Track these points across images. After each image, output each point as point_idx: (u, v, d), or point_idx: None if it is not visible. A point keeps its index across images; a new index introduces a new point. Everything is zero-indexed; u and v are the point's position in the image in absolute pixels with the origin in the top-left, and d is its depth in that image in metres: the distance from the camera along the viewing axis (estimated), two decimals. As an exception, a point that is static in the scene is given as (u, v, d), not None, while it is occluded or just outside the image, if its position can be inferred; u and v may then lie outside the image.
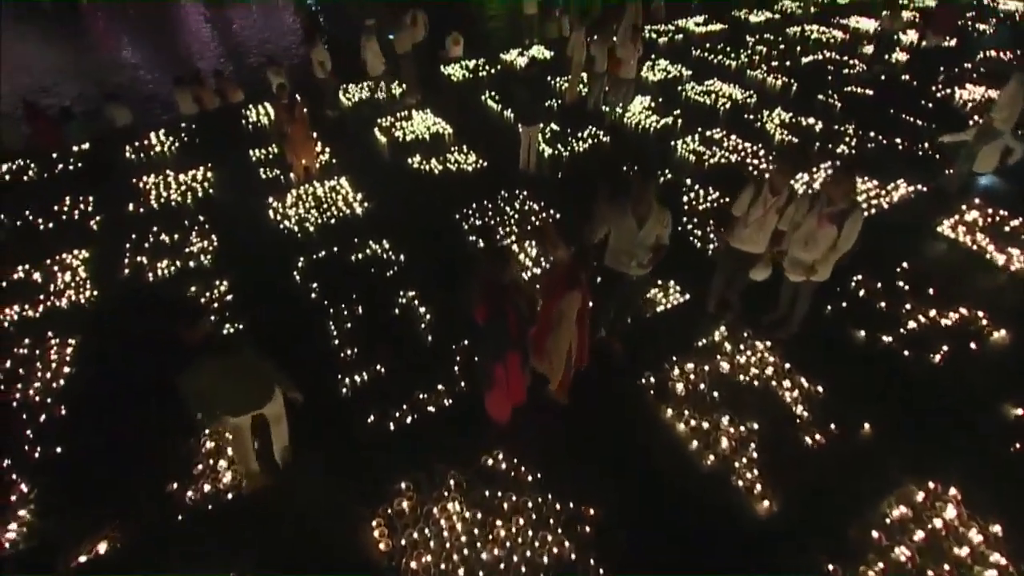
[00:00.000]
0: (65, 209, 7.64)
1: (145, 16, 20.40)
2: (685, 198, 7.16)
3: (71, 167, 8.76)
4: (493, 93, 10.08)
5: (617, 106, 9.41)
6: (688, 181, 7.48)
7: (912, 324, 4.90)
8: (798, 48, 12.33)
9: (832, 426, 4.02)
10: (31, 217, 7.53)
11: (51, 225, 7.39)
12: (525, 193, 7.28)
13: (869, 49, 11.86)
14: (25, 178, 8.57)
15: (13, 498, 4.01)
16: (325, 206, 7.19)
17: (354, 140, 8.78)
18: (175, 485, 3.94)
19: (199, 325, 3.17)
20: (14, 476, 4.17)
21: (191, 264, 6.44)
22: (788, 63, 11.45)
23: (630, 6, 11.62)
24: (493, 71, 11.36)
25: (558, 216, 6.86)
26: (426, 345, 5.03)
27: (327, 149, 8.42)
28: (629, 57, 8.46)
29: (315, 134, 8.03)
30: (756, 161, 7.92)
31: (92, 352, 5.42)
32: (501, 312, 3.03)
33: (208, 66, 14.29)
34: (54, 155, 8.94)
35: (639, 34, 8.87)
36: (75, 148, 9.10)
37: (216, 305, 5.81)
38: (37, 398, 4.92)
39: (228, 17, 18.66)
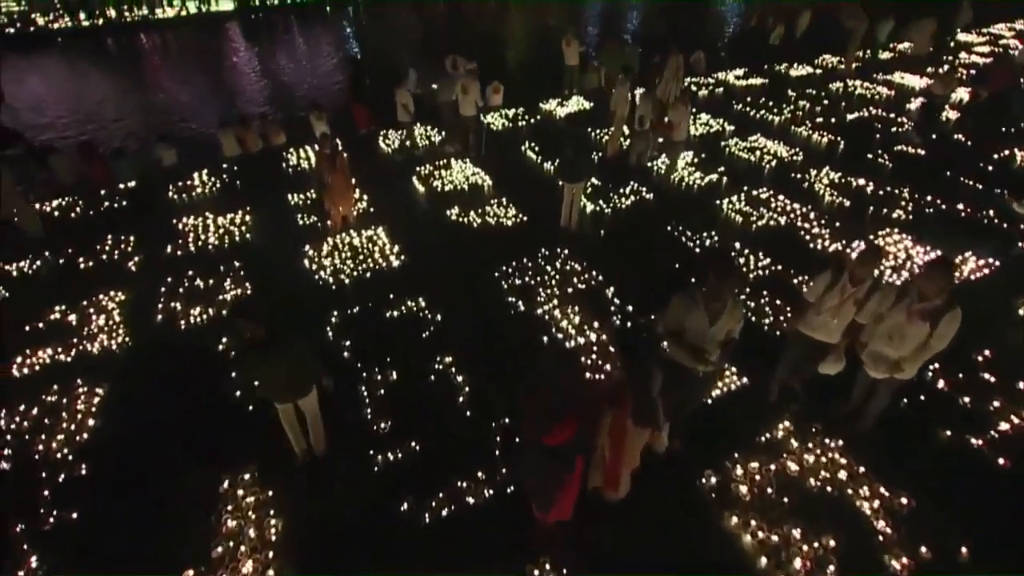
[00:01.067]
0: (107, 248, 7.68)
1: (198, 54, 21.37)
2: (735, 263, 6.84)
3: (116, 205, 8.87)
4: (533, 144, 10.01)
5: (658, 160, 9.26)
6: (737, 245, 7.16)
7: (1004, 425, 4.41)
8: (842, 104, 12.09)
9: (923, 548, 3.55)
10: (73, 255, 7.57)
11: (91, 264, 7.41)
12: (566, 252, 7.05)
13: (915, 105, 11.57)
14: (73, 215, 8.70)
15: (20, 574, 3.76)
16: (361, 257, 7.06)
17: (392, 188, 8.73)
18: (191, 573, 3.65)
19: (256, 326, 3.59)
20: (25, 546, 3.94)
21: (224, 313, 6.32)
22: (833, 120, 11.19)
23: (672, 60, 11.63)
24: (533, 120, 11.36)
25: (600, 277, 6.59)
26: (464, 419, 4.72)
27: (364, 196, 8.37)
28: (682, 119, 8.26)
29: (354, 182, 7.97)
30: (807, 224, 7.58)
31: (118, 404, 5.26)
32: (571, 435, 2.66)
33: (254, 106, 14.73)
34: (102, 192, 9.10)
35: (687, 93, 8.76)
36: (121, 186, 9.26)
37: (246, 359, 5.64)
38: (58, 454, 4.75)
39: (276, 58, 19.39)
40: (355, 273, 6.80)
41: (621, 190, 8.57)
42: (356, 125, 10.49)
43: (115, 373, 5.61)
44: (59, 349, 5.95)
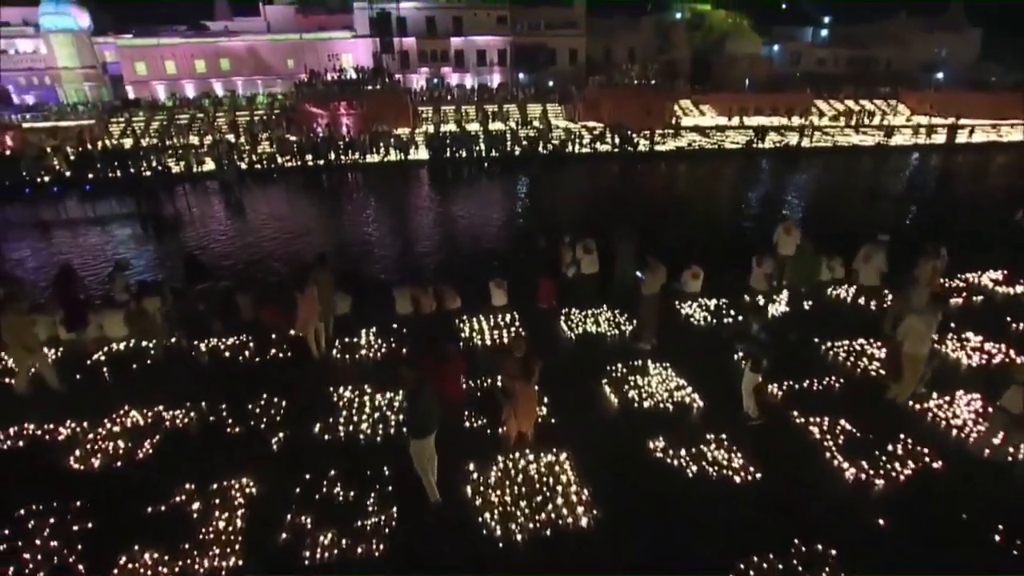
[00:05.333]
0: (257, 410, 6.93)
1: (389, 198, 23.61)
2: None
3: (282, 354, 8.44)
4: (748, 349, 7.97)
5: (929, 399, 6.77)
6: None
7: None
8: None
9: None
10: (225, 413, 6.90)
11: (237, 429, 6.63)
12: (833, 553, 4.67)
13: None
14: (241, 358, 8.38)
15: None
16: (539, 498, 5.31)
17: (577, 391, 7.13)
18: None
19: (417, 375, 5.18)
20: None
21: (359, 551, 4.84)
22: None
23: (927, 264, 9.36)
24: (739, 318, 9.45)
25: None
26: None
27: (544, 399, 6.79)
28: None
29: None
30: None
31: None
32: None
33: (431, 256, 14.94)
34: (273, 336, 8.81)
35: None
36: (292, 332, 8.93)
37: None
38: None
39: (458, 210, 20.41)
40: (532, 525, 5.03)
41: (889, 447, 6.08)
42: (538, 298, 9.46)
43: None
44: (166, 558, 4.85)
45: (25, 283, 10.00)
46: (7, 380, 7.88)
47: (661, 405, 6.81)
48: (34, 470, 6.03)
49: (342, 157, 28.93)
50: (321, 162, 28.33)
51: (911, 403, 6.90)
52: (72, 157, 27.23)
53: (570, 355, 8.21)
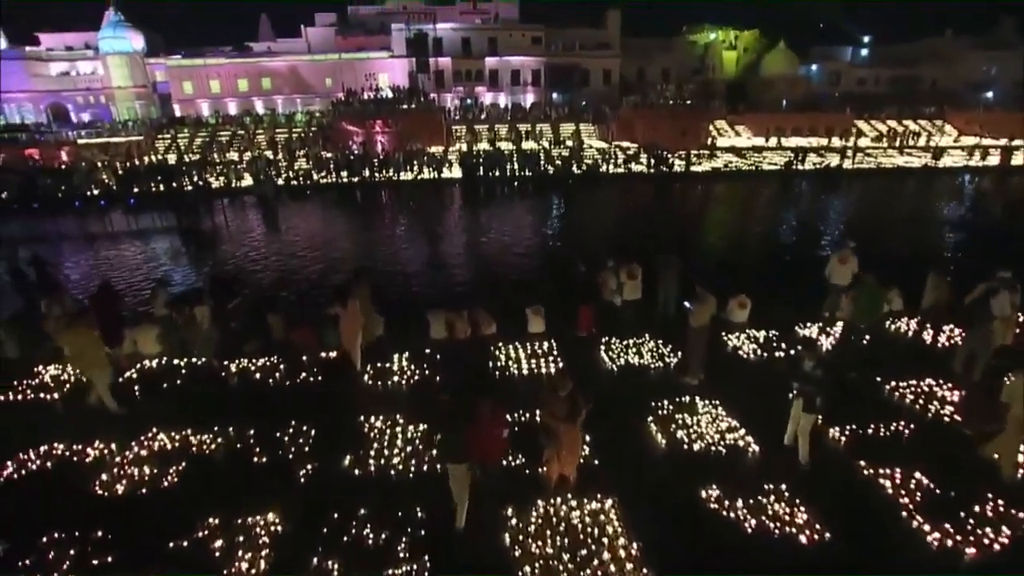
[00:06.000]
0: (286, 438, 6.67)
1: (422, 214, 23.66)
2: None
3: (312, 378, 8.23)
4: (804, 389, 7.33)
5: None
6: None
7: None
8: None
9: None
10: (254, 440, 6.67)
11: (264, 459, 6.37)
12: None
13: None
14: (271, 381, 8.20)
15: None
16: (584, 552, 4.86)
17: (622, 428, 6.67)
18: None
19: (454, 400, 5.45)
20: None
21: (388, 604, 4.48)
22: None
23: (1005, 298, 8.50)
24: (792, 351, 8.82)
25: None
26: None
27: (586, 437, 6.32)
28: None
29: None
30: None
31: None
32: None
33: (461, 276, 14.72)
34: (304, 358, 8.62)
35: None
36: (323, 355, 8.75)
37: None
38: None
39: (491, 229, 20.22)
40: (574, 582, 4.60)
41: (976, 508, 5.41)
42: (577, 325, 9.05)
43: None
44: (187, 601, 4.57)
45: (66, 298, 10.11)
46: (42, 395, 7.90)
47: (713, 448, 6.28)
48: (59, 494, 5.89)
49: (376, 174, 29.27)
50: (355, 179, 28.71)
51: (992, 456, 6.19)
52: (120, 172, 28.28)
53: (612, 387, 7.74)
